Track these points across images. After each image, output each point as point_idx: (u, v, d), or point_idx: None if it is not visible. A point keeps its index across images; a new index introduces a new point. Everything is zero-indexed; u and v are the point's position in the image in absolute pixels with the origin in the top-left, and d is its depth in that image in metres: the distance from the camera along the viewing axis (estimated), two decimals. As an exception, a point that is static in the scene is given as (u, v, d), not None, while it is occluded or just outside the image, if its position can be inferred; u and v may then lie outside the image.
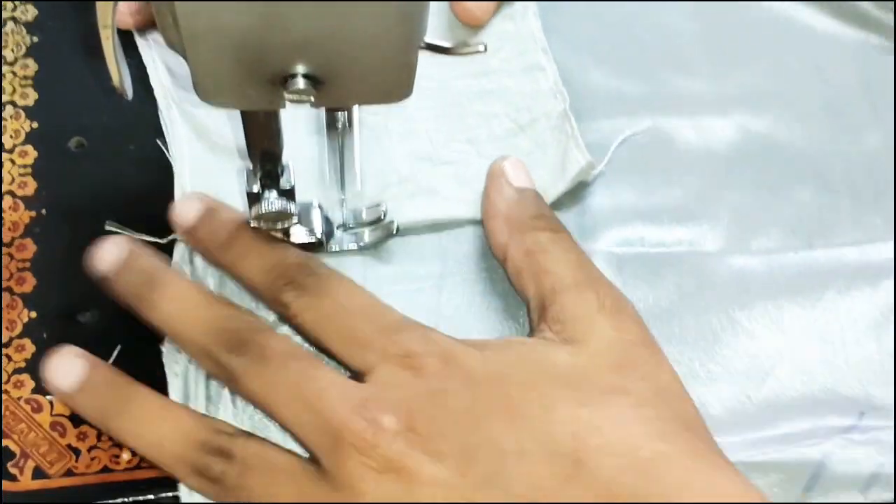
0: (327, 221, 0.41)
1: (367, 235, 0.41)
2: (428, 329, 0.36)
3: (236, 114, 0.40)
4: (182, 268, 0.39)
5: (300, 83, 0.29)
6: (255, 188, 0.37)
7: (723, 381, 0.40)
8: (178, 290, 0.37)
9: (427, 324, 0.37)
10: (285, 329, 0.38)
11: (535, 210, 0.39)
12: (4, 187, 0.42)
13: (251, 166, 0.37)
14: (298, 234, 0.40)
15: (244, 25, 0.27)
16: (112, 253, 0.37)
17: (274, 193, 0.37)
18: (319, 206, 0.40)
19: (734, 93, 0.48)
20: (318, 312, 0.36)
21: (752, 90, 0.48)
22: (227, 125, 0.43)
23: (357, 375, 0.35)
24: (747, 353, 0.40)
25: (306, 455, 0.35)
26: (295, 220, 0.38)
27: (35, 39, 0.45)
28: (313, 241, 0.40)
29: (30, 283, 0.39)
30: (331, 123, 0.37)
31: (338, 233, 0.41)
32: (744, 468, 0.34)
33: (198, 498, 0.35)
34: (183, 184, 0.41)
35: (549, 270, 0.37)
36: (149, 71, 0.44)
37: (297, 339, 0.38)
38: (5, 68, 0.44)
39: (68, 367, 0.36)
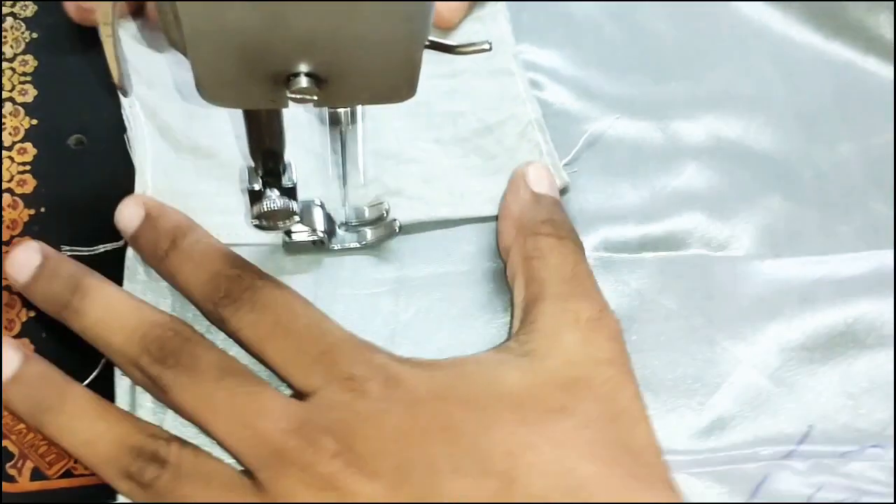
0: (329, 219, 0.40)
1: (370, 234, 0.40)
2: (373, 349, 0.36)
3: (200, 113, 0.40)
4: (135, 272, 0.39)
5: (303, 82, 0.29)
6: (257, 186, 0.37)
7: (676, 390, 0.39)
8: (105, 297, 0.36)
9: (384, 329, 0.37)
10: None
11: (546, 215, 0.39)
12: (3, 185, 0.41)
13: (252, 164, 0.37)
14: (300, 233, 0.39)
15: (247, 24, 0.27)
16: (29, 259, 0.37)
17: (276, 192, 0.37)
18: (321, 205, 0.40)
19: (705, 97, 0.47)
20: (258, 330, 0.35)
21: (723, 95, 0.47)
22: (190, 124, 0.42)
23: (298, 393, 0.35)
24: (704, 361, 0.40)
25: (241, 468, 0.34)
26: (297, 218, 0.37)
27: (34, 36, 0.44)
28: (315, 239, 0.40)
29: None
30: (333, 121, 0.37)
31: (340, 231, 0.41)
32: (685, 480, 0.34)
33: None
34: (144, 183, 0.41)
35: (539, 278, 0.37)
36: (110, 66, 0.43)
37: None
38: (4, 65, 0.44)
39: (4, 359, 0.35)
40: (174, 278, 0.37)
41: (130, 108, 0.42)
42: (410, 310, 0.39)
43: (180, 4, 0.26)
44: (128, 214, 0.38)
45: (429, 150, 0.43)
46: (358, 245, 0.40)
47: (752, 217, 0.44)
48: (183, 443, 0.34)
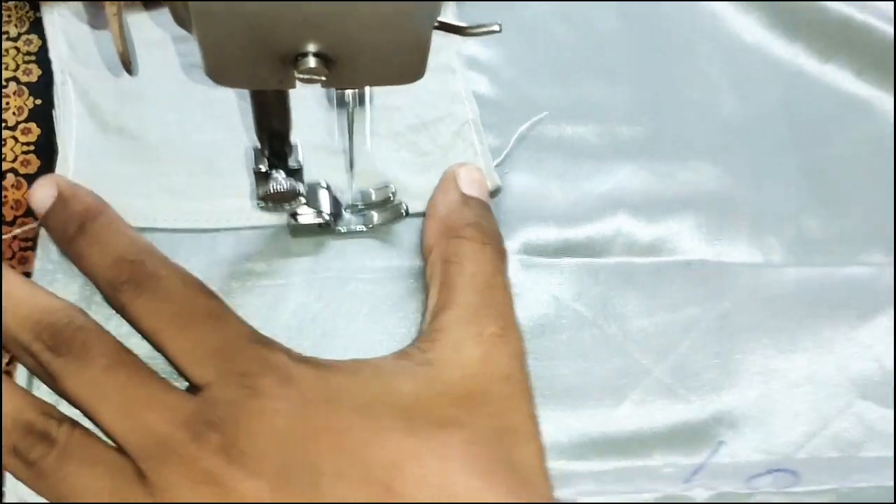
0: (335, 202, 0.40)
1: (376, 217, 0.40)
2: (272, 347, 0.35)
3: (133, 94, 0.41)
4: (48, 251, 0.38)
5: (311, 62, 0.29)
6: (263, 167, 0.37)
7: (584, 399, 0.39)
8: (1, 282, 0.36)
9: (288, 325, 0.37)
10: None
11: (472, 219, 0.38)
12: (7, 165, 0.41)
13: (259, 145, 0.36)
14: (306, 215, 0.39)
15: (256, 3, 0.27)
16: None
17: (282, 173, 0.36)
18: (327, 187, 0.40)
19: (649, 101, 0.46)
20: (157, 319, 0.35)
21: (667, 99, 0.46)
22: (121, 105, 0.42)
23: (192, 386, 0.35)
24: (615, 371, 0.39)
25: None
26: (303, 200, 0.37)
27: (38, 14, 0.44)
28: (321, 221, 0.39)
29: (32, 262, 0.39)
30: (340, 101, 0.37)
31: (346, 213, 0.40)
32: None
33: (26, 497, 0.34)
34: (66, 162, 0.40)
35: (452, 284, 0.37)
36: (48, 42, 0.43)
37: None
38: (8, 44, 0.43)
39: None
40: (80, 261, 0.37)
41: (62, 86, 0.42)
42: (321, 303, 0.39)
43: (188, -18, 0.26)
44: (40, 195, 0.37)
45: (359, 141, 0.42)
46: (364, 228, 0.40)
47: (682, 222, 0.43)
48: (74, 424, 0.34)
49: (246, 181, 0.41)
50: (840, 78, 0.48)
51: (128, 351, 0.35)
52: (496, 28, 0.32)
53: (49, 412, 0.34)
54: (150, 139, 0.41)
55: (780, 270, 0.42)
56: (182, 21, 0.30)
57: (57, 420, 0.34)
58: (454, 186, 0.40)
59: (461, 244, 0.38)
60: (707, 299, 0.41)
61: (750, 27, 0.49)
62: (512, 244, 0.41)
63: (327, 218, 0.39)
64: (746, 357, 0.40)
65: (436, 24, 0.30)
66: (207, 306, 0.36)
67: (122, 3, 0.31)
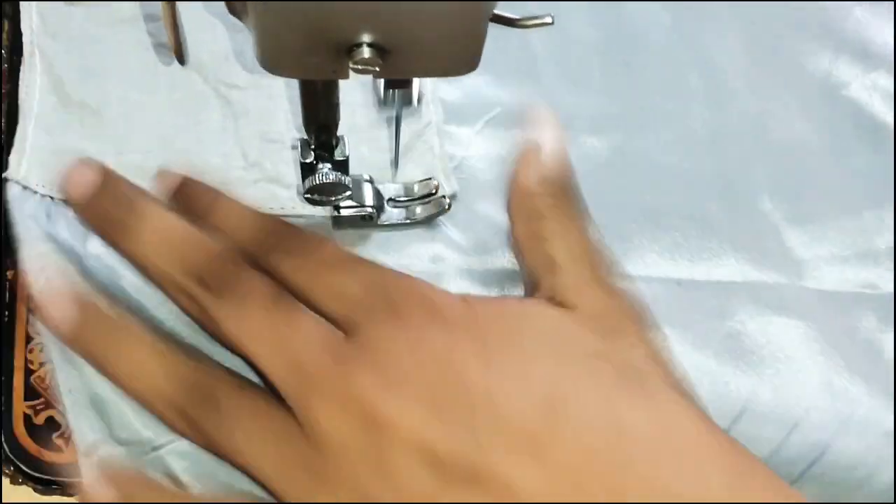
0: (378, 195, 0.40)
1: (419, 210, 0.40)
2: (412, 279, 0.35)
3: (97, 70, 0.41)
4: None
5: (366, 53, 0.28)
6: (309, 159, 0.37)
7: None
8: (160, 222, 0.35)
9: None
10: None
11: (543, 173, 0.37)
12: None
13: (306, 136, 0.36)
14: (349, 208, 0.39)
15: (313, -7, 0.27)
16: (86, 177, 0.36)
17: (328, 165, 0.36)
18: (370, 180, 0.40)
19: (618, 112, 0.45)
20: (302, 273, 0.35)
21: (638, 110, 0.45)
22: (85, 80, 0.41)
23: (344, 329, 0.34)
24: None
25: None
26: (348, 193, 0.37)
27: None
28: (364, 214, 0.39)
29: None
30: (387, 95, 0.37)
31: (388, 207, 0.40)
32: None
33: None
34: (25, 133, 0.40)
35: (546, 239, 0.36)
36: (21, 13, 0.42)
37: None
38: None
39: (59, 312, 0.35)
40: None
41: (29, 58, 0.41)
42: None
43: (248, -28, 0.26)
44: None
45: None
46: (406, 221, 0.40)
47: (656, 236, 0.42)
48: (237, 381, 0.34)
49: (206, 161, 0.40)
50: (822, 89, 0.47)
51: (283, 291, 0.35)
52: (549, 20, 0.32)
53: (211, 373, 0.34)
54: (110, 116, 0.41)
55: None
56: (236, 11, 0.30)
57: (221, 382, 0.34)
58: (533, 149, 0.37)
59: (547, 198, 0.36)
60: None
61: (726, 36, 0.48)
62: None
63: (371, 211, 0.39)
64: None
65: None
66: (336, 253, 0.36)
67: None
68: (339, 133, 0.36)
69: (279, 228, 0.36)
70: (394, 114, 0.39)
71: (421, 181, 0.41)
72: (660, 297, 0.40)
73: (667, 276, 0.42)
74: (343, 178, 0.37)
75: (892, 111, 0.47)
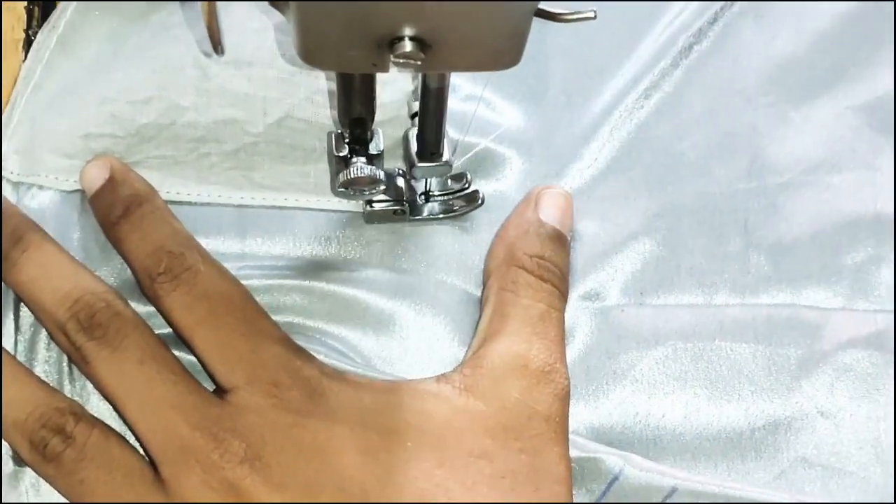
0: (411, 189, 0.40)
1: (452, 205, 0.40)
2: (305, 358, 0.35)
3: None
4: None
5: (407, 46, 0.28)
6: (343, 152, 0.36)
7: None
8: (44, 254, 0.36)
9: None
10: None
11: (538, 250, 0.37)
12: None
13: (340, 130, 0.36)
14: (382, 203, 0.39)
15: (356, -15, 0.26)
16: None
17: (362, 159, 0.36)
18: (403, 174, 0.39)
19: (588, 126, 0.42)
20: (191, 315, 0.34)
21: (636, 128, 0.42)
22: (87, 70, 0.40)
23: (218, 388, 0.34)
24: None
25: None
26: (382, 186, 0.37)
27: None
28: (397, 209, 0.39)
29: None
30: (424, 89, 0.36)
31: (421, 201, 0.40)
32: None
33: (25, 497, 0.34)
34: (11, 113, 0.39)
35: (504, 313, 0.36)
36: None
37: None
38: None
39: None
40: (120, 246, 0.36)
41: (50, 32, 0.40)
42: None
43: (292, -37, 0.26)
44: (92, 175, 0.37)
45: (301, 129, 0.40)
46: (440, 216, 0.40)
47: (623, 263, 0.40)
48: (94, 423, 0.34)
49: (182, 148, 0.39)
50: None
51: (162, 345, 0.35)
52: (591, 15, 0.32)
53: (69, 408, 0.34)
54: (88, 98, 0.39)
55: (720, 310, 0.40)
56: (276, 2, 0.30)
57: (75, 417, 0.33)
58: (532, 209, 0.38)
59: (520, 274, 0.37)
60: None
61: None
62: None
63: (403, 206, 0.39)
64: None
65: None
66: (243, 308, 0.35)
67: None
68: (374, 126, 0.36)
69: (171, 253, 0.35)
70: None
71: (454, 175, 0.40)
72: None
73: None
74: (377, 172, 0.36)
75: None
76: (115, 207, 0.37)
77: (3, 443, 0.34)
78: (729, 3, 0.43)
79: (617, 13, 0.43)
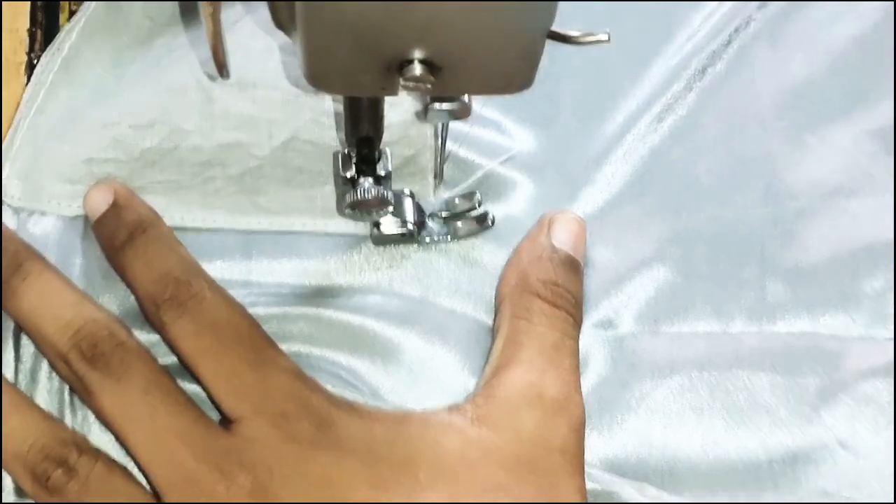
0: (419, 210, 0.39)
1: (461, 227, 0.39)
2: (313, 388, 0.34)
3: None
4: None
5: (417, 69, 0.27)
6: (350, 173, 0.36)
7: None
8: (44, 284, 0.35)
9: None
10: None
11: (551, 276, 0.36)
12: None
13: (347, 150, 0.35)
14: (390, 225, 0.38)
15: (364, 7, 0.25)
16: None
17: (370, 180, 0.35)
18: (411, 195, 0.39)
19: (602, 151, 0.41)
20: (197, 343, 0.34)
21: (650, 152, 0.41)
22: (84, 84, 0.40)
23: (224, 418, 0.34)
24: None
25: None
26: (390, 208, 0.36)
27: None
28: (405, 231, 0.38)
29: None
30: (427, 111, 0.35)
31: (430, 223, 0.39)
32: None
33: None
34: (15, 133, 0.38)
35: (517, 341, 0.35)
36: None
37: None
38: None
39: None
40: (125, 272, 0.36)
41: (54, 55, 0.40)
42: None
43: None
44: (95, 200, 0.37)
45: (308, 152, 0.39)
46: (448, 239, 0.39)
47: (636, 290, 0.39)
48: (97, 455, 0.33)
49: (186, 173, 0.38)
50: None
51: (166, 375, 0.34)
52: (604, 37, 0.31)
53: (73, 440, 0.33)
54: (91, 123, 0.38)
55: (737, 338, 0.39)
56: (282, 24, 0.29)
57: (78, 449, 0.33)
58: (545, 234, 0.38)
59: (534, 301, 0.36)
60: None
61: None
62: None
63: (411, 228, 0.38)
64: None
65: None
66: (250, 336, 0.34)
67: (219, 1, 0.30)
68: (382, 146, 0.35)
69: (177, 280, 0.34)
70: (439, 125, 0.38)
71: (463, 195, 0.39)
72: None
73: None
74: (385, 193, 0.35)
75: None
76: (119, 233, 0.36)
77: (4, 473, 0.34)
78: (743, 25, 0.42)
79: (629, 33, 0.42)
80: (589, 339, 0.38)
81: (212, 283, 0.35)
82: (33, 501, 0.33)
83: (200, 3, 0.30)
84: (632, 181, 0.41)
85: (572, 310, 0.36)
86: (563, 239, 0.37)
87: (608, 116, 0.42)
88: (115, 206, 0.36)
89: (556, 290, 0.36)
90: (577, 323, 0.37)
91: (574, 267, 0.37)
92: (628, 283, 0.39)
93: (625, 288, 0.39)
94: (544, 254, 0.37)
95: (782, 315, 0.39)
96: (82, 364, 0.33)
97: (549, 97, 0.41)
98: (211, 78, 0.38)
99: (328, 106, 0.38)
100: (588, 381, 0.37)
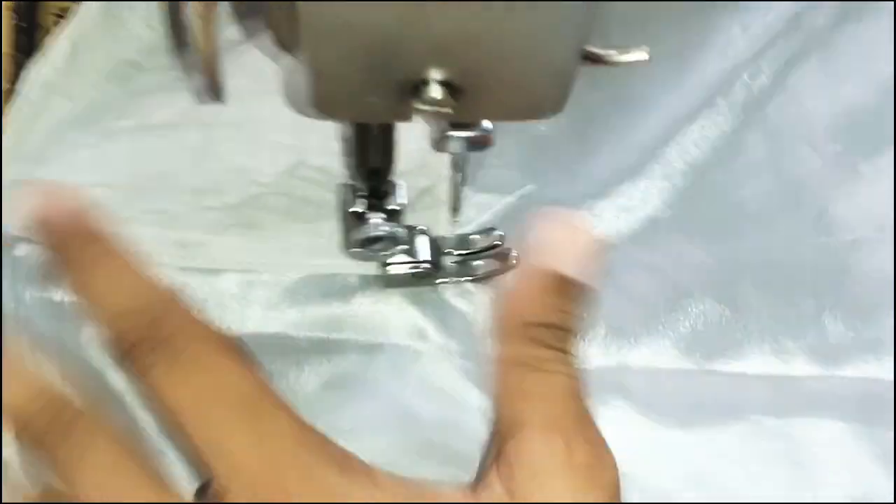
0: (435, 248, 0.36)
1: (480, 266, 0.36)
2: (321, 452, 0.29)
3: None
4: None
5: (435, 91, 0.24)
6: (359, 208, 0.33)
7: None
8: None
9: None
10: None
11: (548, 314, 0.30)
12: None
13: (354, 181, 0.32)
14: (401, 264, 0.35)
15: (378, 22, 0.23)
16: None
17: (380, 216, 0.32)
18: (425, 231, 0.36)
19: (627, 169, 0.40)
20: (182, 398, 0.28)
21: (647, 170, 0.39)
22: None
23: (204, 487, 0.29)
24: None
25: None
26: (403, 246, 0.33)
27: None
28: (419, 270, 0.35)
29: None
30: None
31: (446, 261, 0.36)
32: None
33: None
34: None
35: (529, 395, 0.30)
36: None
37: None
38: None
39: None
40: (86, 299, 0.30)
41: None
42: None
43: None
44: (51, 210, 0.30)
45: (313, 179, 0.38)
46: (468, 279, 0.36)
47: (676, 324, 0.37)
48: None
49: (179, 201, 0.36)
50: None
51: (128, 452, 0.29)
52: (644, 57, 0.28)
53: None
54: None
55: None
56: (284, 44, 0.27)
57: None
58: (539, 258, 0.30)
59: (531, 346, 0.30)
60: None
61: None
62: None
63: (427, 267, 0.35)
64: None
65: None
66: (243, 383, 0.29)
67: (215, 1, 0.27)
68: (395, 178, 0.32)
69: (155, 316, 0.29)
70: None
71: (482, 231, 0.36)
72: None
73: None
74: (397, 229, 0.33)
75: None
76: (77, 251, 0.30)
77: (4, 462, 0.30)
78: (785, 39, 0.40)
79: (663, 35, 0.39)
80: (628, 373, 0.35)
81: (193, 310, 0.30)
82: (33, 502, 0.30)
83: (190, 3, 0.26)
84: (671, 201, 0.38)
85: (572, 347, 0.31)
86: (561, 260, 0.30)
87: (641, 125, 0.39)
88: (73, 218, 0.30)
89: (557, 333, 0.30)
90: (577, 359, 0.31)
91: (574, 294, 0.30)
92: (671, 313, 0.36)
93: (666, 319, 0.36)
94: (550, 282, 0.30)
95: (847, 357, 0.36)
96: (41, 450, 0.29)
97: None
98: (207, 100, 0.35)
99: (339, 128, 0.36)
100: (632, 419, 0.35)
